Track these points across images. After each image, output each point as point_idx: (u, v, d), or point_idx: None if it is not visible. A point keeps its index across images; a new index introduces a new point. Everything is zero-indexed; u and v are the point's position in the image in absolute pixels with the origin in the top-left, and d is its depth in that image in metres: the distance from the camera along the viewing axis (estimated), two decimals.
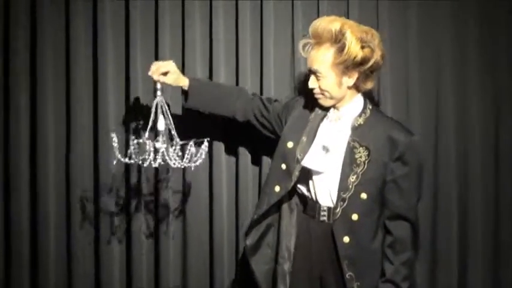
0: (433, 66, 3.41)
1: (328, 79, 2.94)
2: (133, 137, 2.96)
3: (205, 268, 3.48)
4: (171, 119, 2.97)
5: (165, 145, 2.90)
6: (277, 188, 3.04)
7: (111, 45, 3.38)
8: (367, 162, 2.92)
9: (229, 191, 3.46)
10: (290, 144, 3.03)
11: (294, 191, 3.13)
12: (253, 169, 3.45)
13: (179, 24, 3.40)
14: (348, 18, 3.22)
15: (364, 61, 2.90)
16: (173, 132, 2.96)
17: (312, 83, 2.98)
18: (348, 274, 2.95)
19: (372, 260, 2.97)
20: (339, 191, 2.95)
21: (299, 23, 3.36)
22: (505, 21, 3.35)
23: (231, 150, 3.46)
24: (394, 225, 2.96)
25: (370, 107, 3.01)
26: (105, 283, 3.47)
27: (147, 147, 2.87)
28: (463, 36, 3.37)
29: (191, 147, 2.92)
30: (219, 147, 3.43)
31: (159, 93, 2.97)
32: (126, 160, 2.94)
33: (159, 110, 2.95)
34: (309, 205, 3.07)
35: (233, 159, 3.46)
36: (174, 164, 2.90)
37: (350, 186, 2.92)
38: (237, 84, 3.40)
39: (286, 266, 3.09)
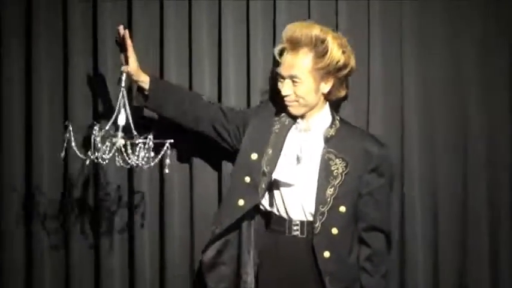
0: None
1: (305, 85, 2.87)
2: (96, 131, 2.76)
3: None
4: (129, 113, 2.81)
5: (123, 141, 2.75)
6: (241, 202, 2.93)
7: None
8: (345, 174, 2.88)
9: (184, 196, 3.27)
10: (254, 156, 2.94)
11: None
12: (212, 174, 3.27)
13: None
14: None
15: (344, 66, 2.90)
16: (132, 127, 2.80)
17: (287, 89, 2.90)
18: None
19: (351, 274, 2.92)
20: (317, 204, 2.88)
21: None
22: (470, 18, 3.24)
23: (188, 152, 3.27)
24: (370, 237, 2.93)
25: (339, 118, 2.99)
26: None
27: (106, 143, 2.72)
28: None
29: (149, 144, 2.76)
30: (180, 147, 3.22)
31: (123, 83, 2.84)
32: (82, 156, 2.77)
33: (121, 103, 2.78)
34: (274, 220, 2.97)
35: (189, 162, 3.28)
36: (131, 162, 2.75)
37: (328, 199, 2.87)
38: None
39: (249, 279, 2.97)
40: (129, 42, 2.95)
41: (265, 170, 2.92)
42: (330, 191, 2.87)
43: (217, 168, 3.24)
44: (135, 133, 2.79)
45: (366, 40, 3.20)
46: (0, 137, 3.27)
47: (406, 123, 3.22)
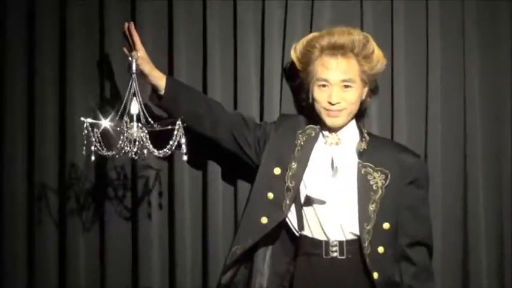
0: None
1: (357, 90, 2.75)
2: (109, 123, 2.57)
3: None
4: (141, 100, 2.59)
5: (141, 132, 2.53)
6: (264, 220, 2.74)
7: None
8: (385, 188, 2.72)
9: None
10: (277, 171, 2.76)
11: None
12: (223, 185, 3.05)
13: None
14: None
15: (381, 67, 2.82)
16: (146, 116, 2.57)
17: (337, 96, 2.71)
18: None
19: None
20: (361, 222, 2.70)
21: None
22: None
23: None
24: (415, 253, 2.79)
25: (366, 131, 2.85)
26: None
27: (123, 135, 2.52)
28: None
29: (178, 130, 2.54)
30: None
31: (134, 69, 2.62)
32: (104, 152, 2.56)
33: (132, 91, 2.57)
34: (306, 242, 2.76)
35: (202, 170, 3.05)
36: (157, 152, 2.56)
37: (372, 216, 2.70)
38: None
39: None
40: (134, 32, 2.73)
41: (290, 185, 2.74)
42: (372, 207, 2.70)
43: (233, 181, 3.03)
44: (150, 121, 2.57)
45: (389, 41, 3.01)
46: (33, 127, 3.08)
47: (430, 127, 3.03)
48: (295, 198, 2.73)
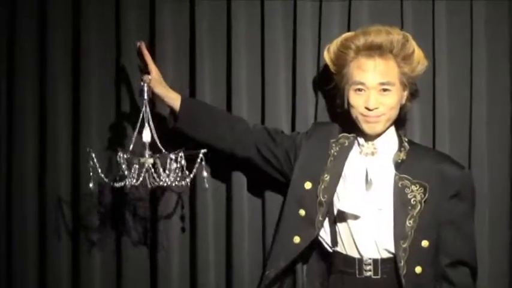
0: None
1: (397, 93, 2.58)
2: (120, 153, 2.51)
3: None
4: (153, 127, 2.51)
5: (152, 160, 2.47)
6: (296, 239, 2.62)
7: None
8: (424, 202, 2.54)
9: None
10: (308, 185, 2.62)
11: None
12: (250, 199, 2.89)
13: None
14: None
15: (421, 68, 2.65)
16: (158, 143, 2.50)
17: (375, 101, 2.54)
18: None
19: None
20: (397, 239, 2.52)
21: None
22: None
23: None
24: (456, 273, 2.61)
25: (406, 140, 2.67)
26: None
27: (134, 163, 2.46)
28: None
29: (180, 160, 2.50)
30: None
31: (145, 95, 2.54)
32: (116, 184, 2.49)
33: (144, 117, 2.50)
34: (339, 259, 2.60)
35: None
36: (165, 182, 2.49)
37: (409, 233, 2.52)
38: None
39: None
40: (146, 52, 2.63)
41: (322, 199, 2.59)
42: (409, 223, 2.52)
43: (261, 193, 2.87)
44: (162, 149, 2.49)
45: (430, 41, 2.83)
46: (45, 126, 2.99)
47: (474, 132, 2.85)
48: (328, 213, 2.58)
